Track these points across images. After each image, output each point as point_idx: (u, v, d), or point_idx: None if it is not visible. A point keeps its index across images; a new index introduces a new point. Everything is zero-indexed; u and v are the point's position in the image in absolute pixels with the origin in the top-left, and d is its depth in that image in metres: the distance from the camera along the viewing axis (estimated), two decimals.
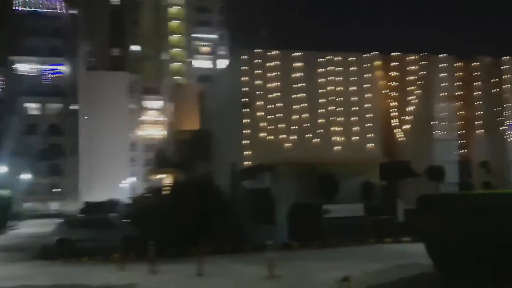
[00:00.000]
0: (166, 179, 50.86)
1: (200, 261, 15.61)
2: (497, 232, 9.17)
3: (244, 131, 30.61)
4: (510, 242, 8.74)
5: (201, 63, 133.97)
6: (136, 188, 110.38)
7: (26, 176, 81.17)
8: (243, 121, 30.66)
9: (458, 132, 32.33)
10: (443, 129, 32.06)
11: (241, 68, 31.05)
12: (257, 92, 30.87)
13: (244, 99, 30.76)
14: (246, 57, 31.16)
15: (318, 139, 30.97)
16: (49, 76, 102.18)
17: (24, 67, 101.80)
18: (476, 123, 32.18)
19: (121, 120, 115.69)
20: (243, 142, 30.52)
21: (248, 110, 30.65)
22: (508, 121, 32.28)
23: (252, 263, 17.95)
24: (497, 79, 32.59)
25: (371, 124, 31.52)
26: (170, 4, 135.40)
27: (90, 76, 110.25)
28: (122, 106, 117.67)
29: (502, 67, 32.90)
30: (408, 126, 31.50)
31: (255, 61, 31.03)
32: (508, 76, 32.84)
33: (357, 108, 31.55)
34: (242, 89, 30.85)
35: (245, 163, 30.13)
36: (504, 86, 32.65)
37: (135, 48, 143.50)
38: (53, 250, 23.98)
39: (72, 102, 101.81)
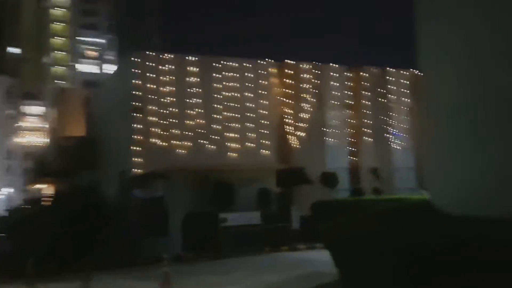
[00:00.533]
0: (46, 189, 47.25)
1: (85, 278, 14.05)
2: (407, 235, 8.86)
3: (135, 137, 28.99)
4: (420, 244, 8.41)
5: (87, 67, 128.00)
6: (12, 199, 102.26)
7: None
8: (135, 126, 29.04)
9: (349, 140, 33.17)
10: (335, 137, 32.75)
11: (133, 71, 29.47)
12: (149, 97, 29.44)
13: (136, 103, 29.18)
14: (137, 59, 29.62)
15: (214, 146, 30.19)
16: None
17: None
18: (365, 130, 33.24)
19: None
20: (134, 148, 28.87)
21: (140, 115, 29.10)
22: (392, 129, 33.74)
23: (145, 279, 16.67)
24: (383, 90, 33.97)
25: (267, 131, 31.37)
26: (54, 5, 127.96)
27: None
28: None
29: (387, 78, 34.36)
30: (302, 133, 31.75)
31: (147, 64, 29.61)
32: (393, 87, 34.36)
33: (252, 114, 31.25)
34: (134, 93, 29.25)
35: (136, 171, 28.51)
36: (389, 96, 34.09)
37: (14, 50, 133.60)
38: None
39: None
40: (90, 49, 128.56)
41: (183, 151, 29.50)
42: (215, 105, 30.72)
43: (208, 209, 22.48)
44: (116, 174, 31.36)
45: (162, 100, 29.62)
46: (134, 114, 29.14)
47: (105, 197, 28.15)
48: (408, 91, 34.64)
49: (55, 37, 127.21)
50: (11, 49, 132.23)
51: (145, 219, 26.28)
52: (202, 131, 30.12)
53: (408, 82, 34.76)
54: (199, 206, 22.72)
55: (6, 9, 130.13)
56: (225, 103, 30.91)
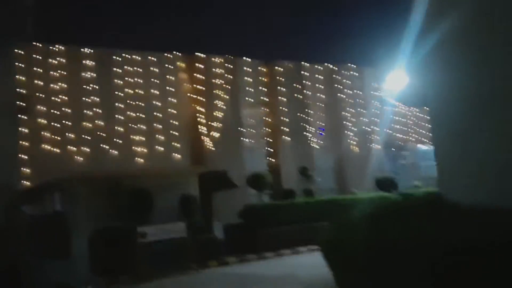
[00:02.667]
0: None
1: None
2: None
3: (21, 144, 24.21)
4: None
5: None
6: None
7: None
8: (20, 131, 24.26)
9: (266, 140, 30.71)
10: (252, 137, 30.13)
11: (15, 65, 24.68)
12: (37, 95, 24.84)
13: (20, 103, 24.41)
14: (20, 52, 24.88)
15: (116, 151, 26.21)
16: None
17: None
18: (282, 129, 30.99)
19: None
20: (19, 157, 24.06)
21: (25, 117, 24.39)
22: (311, 128, 31.86)
23: None
24: (299, 85, 32.01)
25: (177, 133, 27.96)
26: None
27: None
28: None
29: (302, 73, 32.48)
30: (216, 134, 28.73)
31: (33, 57, 24.99)
32: (309, 82, 32.54)
33: (160, 114, 27.71)
34: (17, 91, 24.47)
35: (23, 183, 23.74)
36: (305, 92, 32.20)
37: None
38: None
39: None
40: None
41: (81, 158, 25.23)
42: (117, 104, 26.78)
43: (120, 223, 18.65)
44: None
45: (52, 99, 25.13)
46: (19, 116, 24.38)
47: None
48: (323, 87, 32.99)
49: None
50: None
51: (40, 241, 21.68)
52: (102, 134, 26.04)
53: (323, 78, 33.12)
54: (109, 220, 18.79)
55: None
56: (128, 101, 27.08)
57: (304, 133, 31.69)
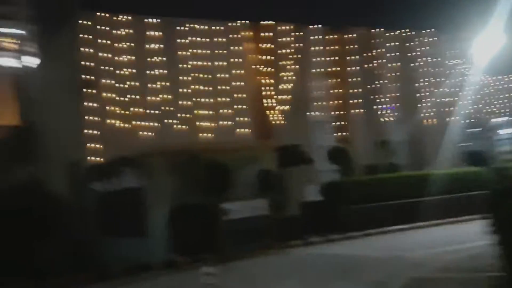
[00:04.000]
0: None
1: None
2: None
3: (88, 119, 23.38)
4: None
5: (5, 61, 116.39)
6: None
7: None
8: (87, 105, 23.40)
9: (335, 113, 28.99)
10: (320, 110, 28.49)
11: (81, 36, 23.71)
12: (104, 68, 23.88)
13: (87, 77, 23.51)
14: (86, 23, 23.86)
15: (182, 126, 25.11)
16: None
17: None
18: (352, 101, 29.17)
19: None
20: (87, 132, 23.24)
21: (92, 91, 23.49)
22: (383, 99, 29.92)
23: None
24: (370, 54, 30.01)
25: (243, 106, 26.61)
26: None
27: None
28: None
29: (374, 41, 30.43)
30: (284, 107, 27.23)
31: (99, 28, 23.98)
32: (381, 50, 30.48)
33: (226, 87, 26.39)
34: (83, 64, 23.55)
35: (92, 159, 22.94)
36: (377, 61, 30.17)
37: None
38: None
39: None
40: (9, 41, 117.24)
41: (147, 133, 24.25)
42: (183, 77, 25.59)
43: (200, 199, 17.52)
44: (63, 166, 25.52)
45: (119, 72, 24.13)
46: (84, 90, 23.48)
47: (50, 194, 22.45)
48: (397, 55, 30.83)
49: None
50: None
51: (113, 218, 20.90)
52: (168, 108, 24.96)
53: (396, 45, 30.93)
54: (187, 196, 17.68)
55: None
56: (194, 74, 25.84)
57: (376, 105, 29.77)
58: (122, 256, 18.96)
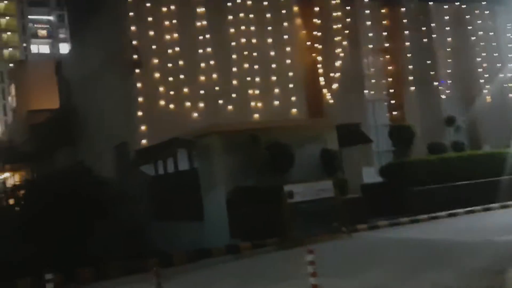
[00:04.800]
0: (11, 178, 40.27)
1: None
2: None
3: (136, 100, 22.66)
4: None
5: (39, 48, 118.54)
6: None
7: None
8: (134, 86, 22.69)
9: (389, 90, 27.63)
10: (373, 87, 27.18)
11: (128, 14, 22.95)
12: (150, 47, 23.05)
13: (134, 56, 22.75)
14: None
15: (232, 106, 24.17)
16: None
17: None
18: (406, 78, 27.75)
19: None
20: (136, 114, 22.55)
21: (139, 70, 22.73)
22: (438, 76, 28.41)
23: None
24: (424, 28, 28.47)
25: (293, 85, 25.51)
26: None
27: None
28: None
29: (427, 14, 28.86)
30: (335, 85, 26.02)
31: (144, 4, 23.13)
32: (435, 25, 28.90)
33: (276, 65, 25.29)
34: (130, 42, 22.79)
35: (143, 142, 22.24)
36: (432, 35, 28.64)
37: None
38: None
39: None
40: (42, 27, 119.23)
41: (196, 114, 23.39)
42: (231, 56, 24.58)
43: (258, 180, 16.62)
44: (111, 149, 25.05)
45: (165, 51, 23.26)
46: (132, 70, 22.75)
47: (98, 178, 21.98)
48: (452, 29, 29.26)
49: (1, 17, 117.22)
50: None
51: (166, 203, 20.24)
52: (217, 88, 24.02)
53: (451, 19, 29.33)
54: (246, 178, 16.81)
55: None
56: (243, 52, 24.79)
57: (431, 82, 28.28)
58: (177, 241, 18.31)
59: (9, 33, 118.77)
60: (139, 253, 17.72)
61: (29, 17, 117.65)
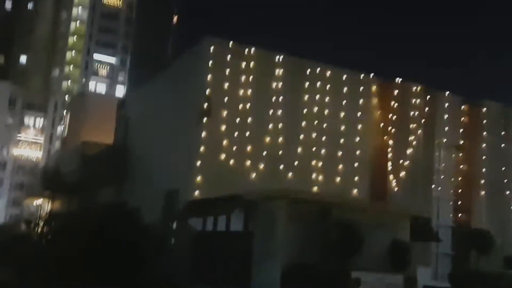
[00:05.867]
0: (49, 205, 39.45)
1: None
2: None
3: (198, 149, 21.72)
4: None
5: (97, 86, 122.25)
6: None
7: None
8: (199, 135, 21.82)
9: (457, 190, 25.90)
10: (441, 184, 25.52)
11: (202, 61, 22.49)
12: (221, 99, 22.33)
13: (204, 105, 22.03)
14: (211, 47, 22.61)
15: (292, 174, 22.92)
16: None
17: None
18: (479, 181, 26.03)
19: None
20: (195, 163, 21.52)
21: (206, 121, 21.93)
22: None
23: None
24: (505, 132, 27.00)
25: (359, 164, 24.19)
26: (73, 19, 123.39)
27: None
28: None
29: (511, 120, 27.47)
30: (403, 174, 24.53)
31: (223, 55, 22.64)
32: None
33: (344, 140, 24.14)
34: (202, 90, 22.16)
35: (195, 193, 21.07)
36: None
37: (23, 58, 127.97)
38: None
39: None
40: (103, 67, 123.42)
41: (255, 176, 22.20)
42: (301, 122, 23.63)
43: (321, 260, 14.99)
44: (161, 194, 23.91)
45: (236, 105, 22.50)
46: (200, 119, 21.96)
47: (141, 222, 20.65)
48: None
49: (69, 51, 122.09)
50: (21, 58, 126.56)
51: (211, 262, 18.66)
52: (281, 152, 22.93)
53: None
54: (306, 254, 15.22)
55: (23, 17, 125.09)
56: (313, 121, 23.83)
57: (504, 190, 26.44)
58: None
59: (72, 67, 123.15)
60: None
61: (94, 55, 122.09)
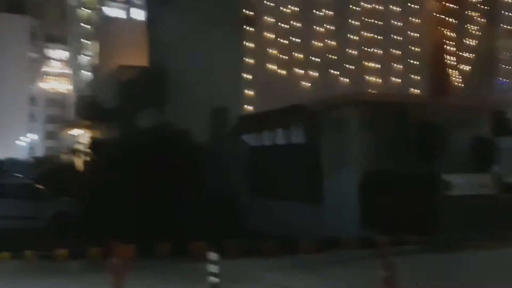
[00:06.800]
0: (85, 136, 38.82)
1: None
2: None
3: (245, 61, 20.18)
4: None
5: (115, 11, 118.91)
6: (35, 147, 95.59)
7: None
8: (244, 45, 20.18)
9: None
10: (506, 75, 23.60)
11: None
12: (265, 3, 20.42)
13: (246, 11, 20.19)
14: None
15: (346, 79, 21.28)
16: None
17: None
18: None
19: (19, 69, 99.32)
20: (243, 76, 20.07)
21: (251, 29, 20.17)
22: None
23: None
24: None
25: (417, 62, 22.31)
26: None
27: None
28: (22, 54, 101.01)
29: None
30: (466, 67, 22.61)
31: None
32: None
33: (399, 37, 22.15)
34: None
35: (244, 107, 19.80)
36: None
37: None
38: None
39: None
40: None
41: (307, 83, 20.69)
42: (350, 22, 21.65)
43: (401, 165, 13.76)
44: (205, 114, 22.73)
45: (282, 10, 20.59)
46: (243, 28, 20.23)
47: (191, 143, 19.59)
48: None
49: None
50: None
51: (273, 178, 17.71)
52: (332, 56, 21.20)
53: None
54: (384, 161, 13.99)
55: None
56: (363, 19, 21.80)
57: None
58: (281, 223, 15.78)
59: None
60: (235, 232, 15.38)
61: None
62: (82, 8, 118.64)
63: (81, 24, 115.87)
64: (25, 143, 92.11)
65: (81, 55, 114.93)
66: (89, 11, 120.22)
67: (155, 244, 12.42)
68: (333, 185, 15.09)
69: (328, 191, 15.26)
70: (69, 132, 58.26)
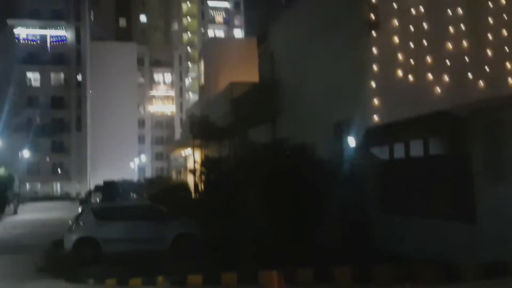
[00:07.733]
0: (201, 154, 39.16)
1: None
2: None
3: (369, 68, 18.79)
4: None
5: (216, 33, 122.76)
6: (144, 168, 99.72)
7: (26, 154, 70.42)
8: (369, 52, 18.81)
9: None
10: None
11: None
12: (391, 4, 18.96)
13: (370, 14, 18.87)
14: None
15: (483, 83, 19.06)
16: (52, 43, 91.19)
17: (23, 32, 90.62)
18: None
19: (129, 94, 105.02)
20: (368, 85, 18.67)
21: (375, 33, 18.80)
22: None
23: None
24: None
25: None
26: None
27: (95, 46, 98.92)
28: (130, 79, 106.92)
29: None
30: None
31: None
32: None
33: None
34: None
35: (373, 117, 18.33)
36: None
37: (142, 17, 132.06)
38: (70, 258, 17.30)
39: (76, 73, 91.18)
40: (219, 14, 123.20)
41: (438, 89, 18.79)
42: (487, 19, 19.48)
43: None
44: (325, 127, 21.59)
45: (407, 10, 19.00)
46: (367, 33, 18.90)
47: (315, 159, 18.44)
48: None
49: (183, 2, 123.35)
50: (140, 17, 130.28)
51: (404, 192, 16.12)
52: (467, 59, 19.12)
53: None
54: None
55: None
56: (502, 15, 19.53)
57: None
58: (420, 243, 14.09)
59: (189, 18, 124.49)
60: (370, 253, 13.96)
61: (209, 2, 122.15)
62: (185, 32, 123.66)
63: (184, 47, 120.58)
64: (136, 165, 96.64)
65: (187, 77, 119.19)
66: (192, 34, 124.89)
67: (295, 269, 11.38)
68: (490, 200, 13.22)
69: (483, 206, 13.41)
70: (177, 153, 59.88)
